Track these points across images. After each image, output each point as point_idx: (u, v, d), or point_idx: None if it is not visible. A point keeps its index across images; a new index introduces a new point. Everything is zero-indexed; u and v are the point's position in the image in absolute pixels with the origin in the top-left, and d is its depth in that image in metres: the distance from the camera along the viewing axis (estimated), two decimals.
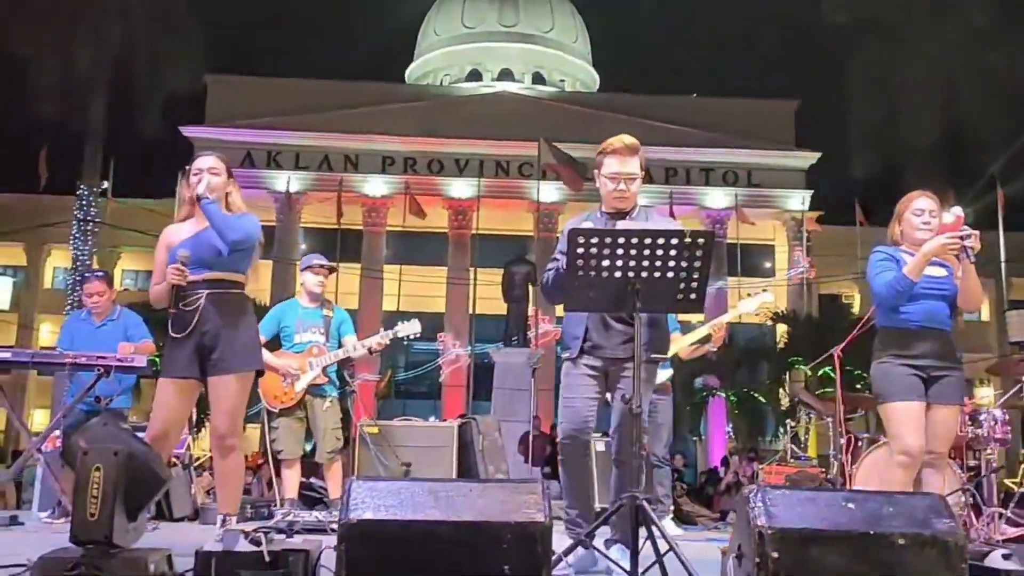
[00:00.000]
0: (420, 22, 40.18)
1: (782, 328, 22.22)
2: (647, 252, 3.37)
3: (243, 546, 2.78)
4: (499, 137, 29.14)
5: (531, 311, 16.52)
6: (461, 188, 29.79)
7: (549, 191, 27.25)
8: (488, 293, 25.77)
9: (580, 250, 3.37)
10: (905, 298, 3.88)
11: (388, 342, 6.03)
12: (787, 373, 16.68)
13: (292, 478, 5.79)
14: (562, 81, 37.55)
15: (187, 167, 4.00)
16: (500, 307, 25.89)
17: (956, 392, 3.96)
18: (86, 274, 6.25)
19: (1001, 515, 5.53)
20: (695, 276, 3.43)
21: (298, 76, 31.13)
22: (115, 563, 2.74)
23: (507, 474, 7.12)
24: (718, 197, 29.52)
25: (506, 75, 36.46)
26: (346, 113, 29.24)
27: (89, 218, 18.43)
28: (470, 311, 27.96)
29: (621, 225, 3.58)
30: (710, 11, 51.13)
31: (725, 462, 14.66)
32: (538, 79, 36.85)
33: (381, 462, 6.33)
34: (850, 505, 2.96)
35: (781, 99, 30.82)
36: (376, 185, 29.83)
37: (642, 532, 3.38)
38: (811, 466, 6.72)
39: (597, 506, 4.15)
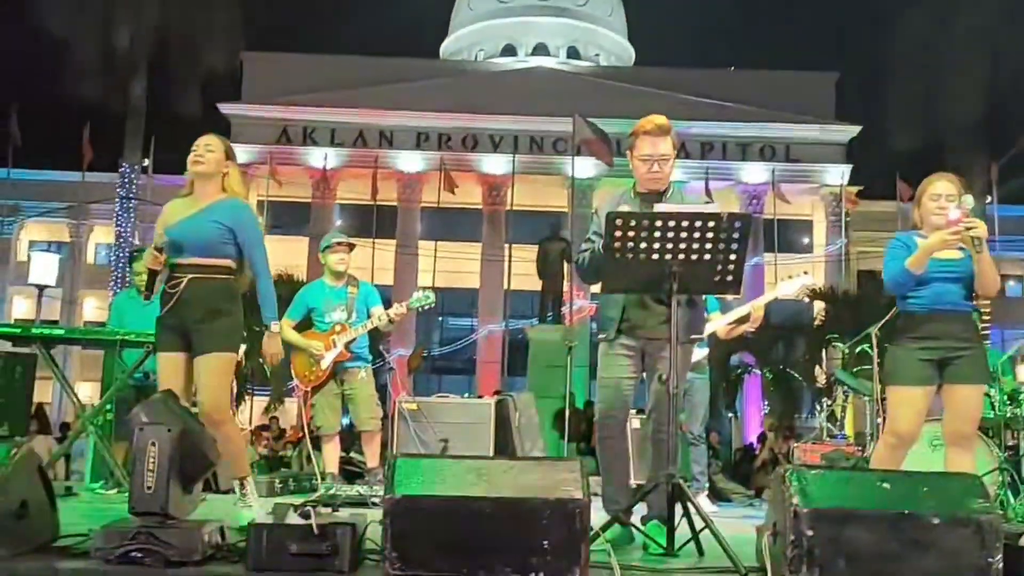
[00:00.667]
0: None
1: (819, 305, 22.02)
2: (684, 235, 3.41)
3: (293, 519, 2.89)
4: (534, 113, 29.04)
5: (566, 287, 16.49)
6: (495, 164, 29.79)
7: (583, 167, 27.13)
8: (522, 269, 25.86)
9: (618, 233, 3.42)
10: (907, 288, 3.91)
11: (405, 311, 6.12)
12: (824, 350, 16.54)
13: (332, 452, 5.93)
14: (597, 55, 37.27)
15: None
16: (534, 283, 25.91)
17: (974, 371, 3.92)
18: (133, 252, 6.36)
19: None
20: (732, 258, 3.46)
21: (332, 53, 31.26)
22: (172, 533, 2.87)
23: (543, 451, 7.21)
24: (755, 172, 29.22)
25: (541, 50, 36.26)
26: (381, 89, 29.31)
27: (131, 195, 18.73)
28: (504, 287, 28.02)
29: (657, 207, 3.60)
30: None
31: (761, 439, 14.63)
32: (573, 53, 36.60)
33: (419, 438, 6.45)
34: (885, 485, 3.00)
35: (821, 71, 30.38)
36: (411, 161, 29.94)
37: (678, 509, 3.45)
38: (847, 444, 6.72)
39: (633, 483, 4.20)
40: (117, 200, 18.95)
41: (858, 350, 6.66)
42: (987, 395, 5.81)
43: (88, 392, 26.84)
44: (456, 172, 28.52)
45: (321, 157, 29.72)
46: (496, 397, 7.25)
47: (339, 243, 6.03)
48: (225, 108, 28.91)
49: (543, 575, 2.83)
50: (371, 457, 5.94)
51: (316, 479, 6.08)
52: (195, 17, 18.39)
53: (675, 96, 29.06)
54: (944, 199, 3.96)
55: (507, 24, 37.08)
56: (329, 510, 3.06)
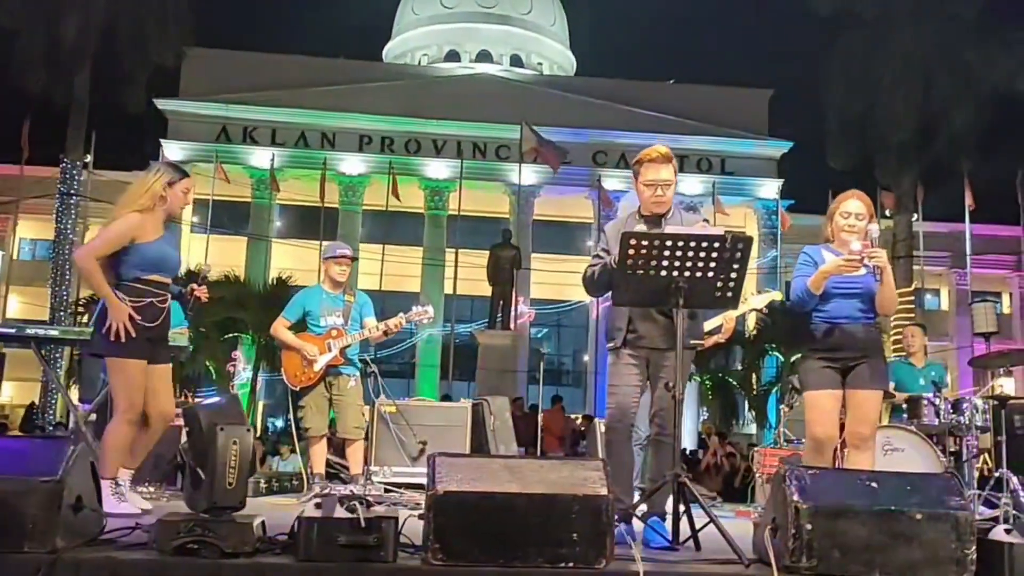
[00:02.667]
0: (398, 0, 40.04)
1: (753, 315, 22.82)
2: (691, 254, 3.72)
3: (340, 513, 3.08)
4: (477, 118, 29.31)
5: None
6: (438, 169, 29.93)
7: (527, 174, 27.53)
8: (463, 274, 26.10)
9: (631, 251, 3.71)
10: (811, 305, 4.20)
11: (404, 323, 6.32)
12: (761, 359, 17.24)
13: (319, 454, 6.08)
14: (540, 64, 37.74)
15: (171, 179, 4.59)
16: (474, 288, 26.40)
17: (872, 377, 4.20)
18: None
19: (979, 496, 6.01)
20: (733, 276, 3.79)
21: (275, 52, 30.92)
22: (225, 526, 3.04)
23: (516, 453, 7.46)
24: (692, 184, 30.00)
25: (484, 56, 36.53)
26: (323, 90, 29.14)
27: (73, 191, 18.34)
28: (444, 291, 28.17)
29: (667, 228, 3.92)
30: None
31: (701, 444, 15.17)
32: (516, 61, 36.99)
33: (399, 440, 6.63)
34: (873, 484, 3.35)
35: (755, 87, 31.37)
36: (353, 164, 29.85)
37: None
38: (803, 450, 7.11)
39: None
40: (57, 196, 18.51)
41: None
42: (932, 404, 6.31)
43: (10, 392, 26.06)
44: (398, 175, 28.56)
45: (260, 157, 29.39)
46: (472, 401, 7.47)
47: (344, 255, 6.20)
48: (162, 104, 28.36)
49: (572, 564, 3.10)
50: (355, 464, 6.09)
51: (305, 480, 6.21)
52: (140, 11, 18.06)
53: (616, 107, 29.72)
54: (854, 217, 4.28)
55: (451, 29, 37.27)
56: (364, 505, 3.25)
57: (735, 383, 18.00)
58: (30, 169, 22.77)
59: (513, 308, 16.48)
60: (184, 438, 7.70)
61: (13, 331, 5.53)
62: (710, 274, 3.77)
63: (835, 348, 4.20)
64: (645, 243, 3.71)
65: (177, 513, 3.14)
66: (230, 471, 3.07)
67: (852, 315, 4.21)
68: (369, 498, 3.38)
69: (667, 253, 3.70)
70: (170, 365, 4.62)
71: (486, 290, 20.95)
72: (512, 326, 17.38)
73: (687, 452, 16.32)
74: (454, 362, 25.38)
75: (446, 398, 14.49)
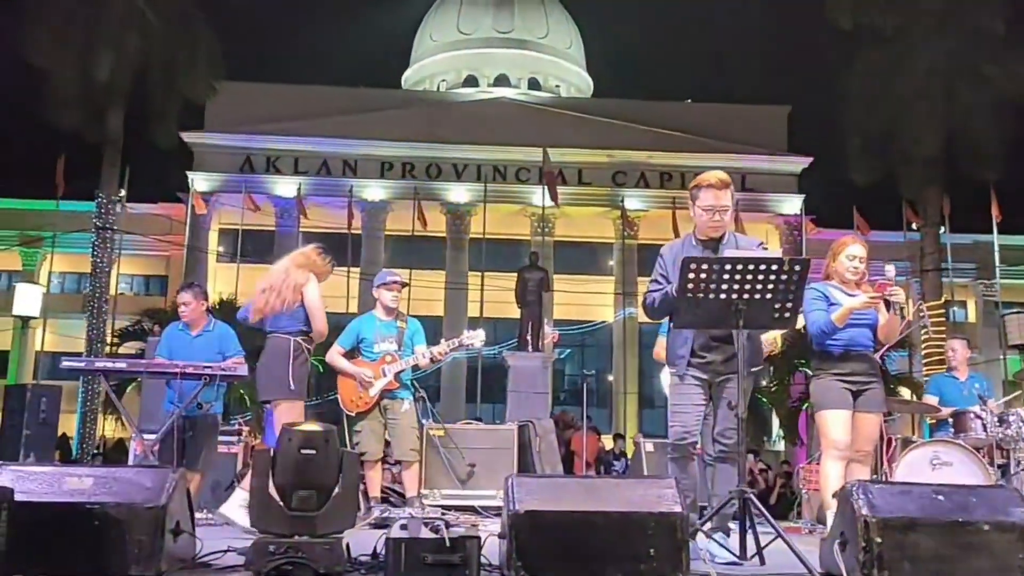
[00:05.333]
0: (416, 28, 40.56)
1: (773, 333, 22.73)
2: (749, 277, 3.84)
3: (425, 533, 3.21)
4: (497, 142, 29.59)
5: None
6: (459, 193, 30.19)
7: (549, 196, 27.69)
8: (486, 297, 26.24)
9: (691, 275, 3.84)
10: (829, 337, 4.69)
11: (451, 349, 6.46)
12: (791, 376, 17.21)
13: (375, 478, 6.20)
14: (557, 87, 38.06)
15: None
16: (498, 310, 26.49)
17: (877, 402, 4.78)
18: (180, 288, 6.61)
19: None
20: (790, 298, 3.90)
21: (295, 82, 31.40)
22: (317, 548, 3.17)
23: (561, 474, 7.54)
24: None
25: (502, 80, 36.90)
26: (344, 119, 29.52)
27: (109, 226, 18.69)
28: (467, 314, 28.31)
29: (726, 252, 4.04)
30: (703, 17, 51.86)
31: None
32: (534, 84, 37.33)
33: (448, 463, 6.74)
34: (939, 497, 3.44)
35: (773, 104, 31.50)
36: (375, 190, 30.16)
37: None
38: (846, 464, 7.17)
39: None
40: (93, 230, 18.87)
41: None
42: (979, 417, 6.37)
43: (112, 424, 26.46)
44: (418, 200, 28.82)
45: (284, 186, 29.78)
46: (519, 423, 7.57)
47: (395, 281, 6.35)
48: (188, 137, 28.81)
49: None
50: (410, 486, 6.20)
51: (361, 503, 6.32)
52: (172, 48, 18.45)
53: (634, 127, 29.92)
54: (858, 260, 4.80)
55: (469, 55, 37.69)
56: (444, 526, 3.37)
57: (765, 400, 17.96)
58: (65, 203, 23.27)
59: (542, 330, 16.54)
60: (239, 465, 7.88)
61: (82, 364, 5.71)
62: (768, 296, 3.88)
63: (851, 371, 4.68)
64: (705, 267, 3.83)
65: (270, 535, 3.27)
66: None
67: (863, 343, 4.74)
68: (448, 519, 3.49)
69: (726, 277, 3.83)
70: None
71: (510, 312, 21.06)
72: (541, 348, 17.45)
73: None
74: (479, 384, 25.46)
75: (476, 420, 14.56)
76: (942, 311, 18.80)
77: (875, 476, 6.36)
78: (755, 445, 17.14)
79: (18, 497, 2.86)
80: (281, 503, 3.39)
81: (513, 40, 37.60)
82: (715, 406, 4.26)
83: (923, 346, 19.17)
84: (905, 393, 16.12)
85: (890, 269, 4.71)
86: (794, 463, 15.36)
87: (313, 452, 3.35)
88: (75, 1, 17.77)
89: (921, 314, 17.85)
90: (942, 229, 20.80)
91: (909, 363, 19.90)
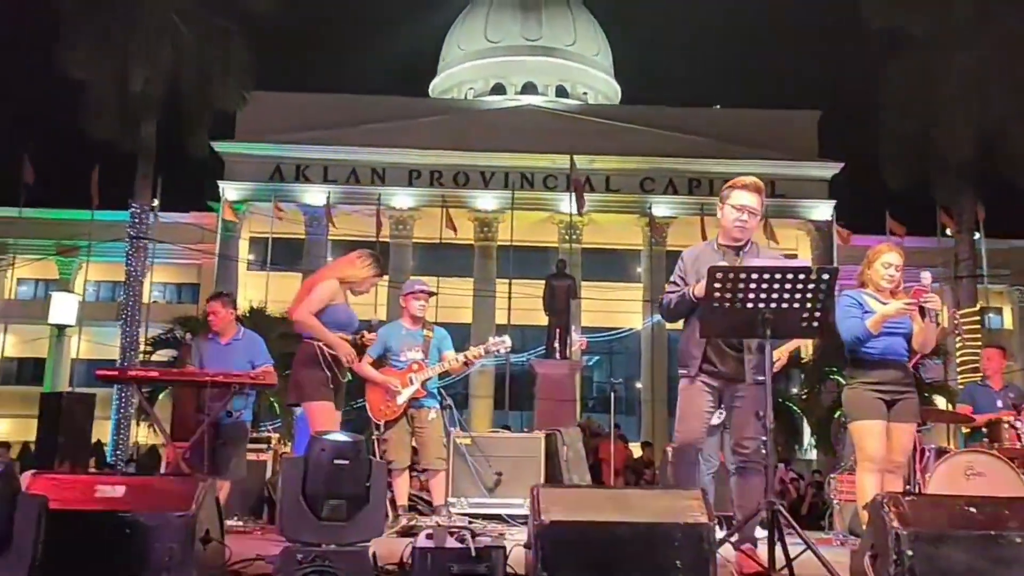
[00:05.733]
0: (443, 37, 40.76)
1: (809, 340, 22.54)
2: (776, 286, 3.82)
3: (451, 542, 3.22)
4: (524, 149, 29.63)
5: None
6: (487, 200, 30.26)
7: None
8: (513, 304, 26.24)
9: (717, 284, 3.82)
10: (863, 345, 4.61)
11: (483, 353, 6.47)
12: (822, 384, 17.04)
13: (403, 486, 6.22)
14: (585, 94, 38.05)
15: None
16: (525, 317, 26.47)
17: (911, 413, 4.70)
18: (210, 299, 6.69)
19: None
20: (819, 307, 3.87)
21: (324, 91, 31.66)
22: (344, 556, 3.19)
23: (589, 483, 7.53)
24: None
25: (529, 88, 36.97)
26: (372, 127, 29.73)
27: (142, 235, 19.00)
28: (495, 321, 28.33)
29: (751, 261, 4.03)
30: (731, 23, 51.62)
31: None
32: (561, 92, 37.35)
33: (476, 471, 6.75)
34: (972, 509, 3.39)
35: (803, 109, 31.25)
36: (403, 198, 30.32)
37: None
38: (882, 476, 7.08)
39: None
40: (128, 239, 19.18)
41: None
42: (1013, 426, 6.26)
43: (3, 427, 26.88)
44: (446, 208, 28.92)
45: (313, 194, 30.02)
46: (546, 431, 7.56)
47: (422, 291, 6.38)
48: (219, 146, 29.15)
49: None
50: (437, 495, 6.22)
51: (390, 512, 6.34)
52: (204, 59, 18.73)
53: (662, 134, 29.83)
54: (894, 268, 4.70)
55: (496, 63, 37.80)
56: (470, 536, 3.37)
57: (796, 408, 17.79)
58: (99, 213, 23.69)
59: (569, 337, 16.53)
60: (269, 472, 7.95)
61: (116, 372, 5.79)
62: (796, 305, 3.85)
63: (885, 381, 4.61)
64: (731, 276, 3.82)
65: (298, 544, 3.30)
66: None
67: (898, 352, 4.67)
68: (475, 527, 3.49)
69: (753, 286, 3.80)
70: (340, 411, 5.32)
71: (538, 319, 21.06)
72: (569, 355, 17.43)
73: None
74: (507, 392, 25.46)
75: (506, 428, 14.58)
76: (977, 318, 18.53)
77: (908, 487, 6.27)
78: (786, 454, 16.99)
79: (52, 506, 2.91)
80: (311, 512, 3.44)
81: (540, 48, 37.66)
82: (729, 415, 4.24)
83: (958, 354, 18.91)
84: (940, 402, 15.89)
85: (926, 276, 4.57)
86: (826, 472, 15.19)
87: (346, 463, 3.39)
88: (110, 15, 18.12)
89: (961, 323, 17.64)
90: (976, 234, 20.50)
91: (944, 371, 19.62)
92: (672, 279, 4.38)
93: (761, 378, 4.27)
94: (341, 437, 3.41)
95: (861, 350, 4.62)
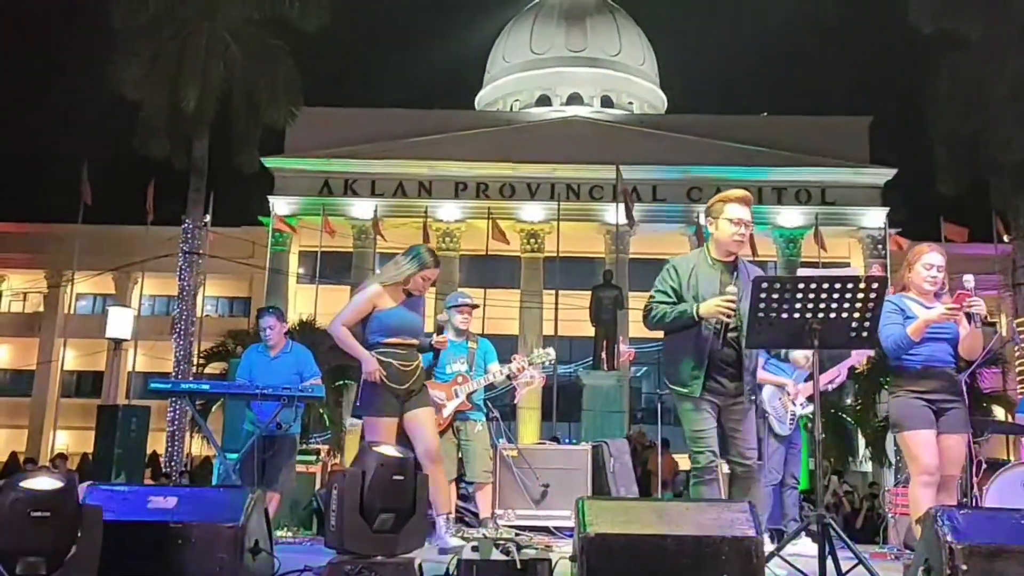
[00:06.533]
0: (489, 49, 41.02)
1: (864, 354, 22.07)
2: (824, 296, 3.77)
3: (496, 555, 3.22)
4: (570, 161, 29.63)
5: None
6: (533, 211, 30.30)
7: (623, 214, 27.55)
8: (561, 315, 26.20)
9: (763, 295, 3.79)
10: (907, 352, 4.44)
11: (526, 366, 6.48)
12: (876, 394, 16.69)
13: (450, 498, 6.23)
14: (630, 104, 37.94)
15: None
16: (573, 329, 26.44)
17: (961, 422, 4.50)
18: (260, 311, 6.80)
19: None
20: (868, 316, 3.81)
21: (371, 106, 32.04)
22: (390, 568, 3.22)
23: (636, 496, 7.47)
24: (793, 216, 29.51)
25: (575, 99, 36.99)
26: (419, 141, 30.01)
27: (195, 250, 19.41)
28: (543, 332, 28.29)
29: (800, 271, 3.98)
30: (779, 29, 51.08)
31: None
32: (607, 102, 37.31)
33: (522, 483, 6.75)
34: None
35: (853, 115, 30.77)
36: (450, 210, 30.50)
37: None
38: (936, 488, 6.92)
39: None
40: (180, 254, 19.61)
41: None
42: None
43: (63, 439, 27.47)
44: (492, 220, 29.01)
45: (361, 208, 30.36)
46: (593, 443, 7.54)
47: (466, 304, 6.42)
48: (269, 162, 29.67)
49: None
50: (484, 507, 6.24)
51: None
52: (254, 77, 19.12)
53: (709, 142, 29.59)
54: (936, 269, 4.50)
55: (541, 75, 37.90)
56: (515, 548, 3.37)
57: (850, 419, 17.45)
58: (154, 229, 24.26)
59: (617, 348, 16.46)
60: (318, 484, 8.05)
61: (168, 386, 5.92)
62: (844, 315, 3.80)
63: (931, 389, 4.42)
64: (778, 286, 3.78)
65: (345, 556, 3.33)
66: (332, 514, 3.31)
67: (944, 359, 4.47)
68: (519, 541, 3.50)
69: (800, 296, 3.77)
70: (427, 409, 5.09)
71: (585, 330, 20.99)
72: (616, 366, 17.36)
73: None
74: (555, 403, 25.38)
75: (555, 440, 14.54)
76: None
77: (964, 500, 6.12)
78: (840, 466, 16.67)
79: (106, 517, 2.98)
80: (365, 524, 3.47)
81: (585, 58, 37.69)
82: (729, 429, 4.25)
83: (1017, 363, 18.38)
84: (998, 412, 15.47)
85: (969, 279, 4.38)
86: (881, 484, 14.88)
87: (402, 478, 3.45)
88: (165, 35, 18.61)
89: (1019, 331, 17.16)
90: None
91: (1003, 381, 19.09)
92: (661, 288, 4.33)
93: (754, 398, 4.41)
94: (394, 452, 3.45)
95: (904, 358, 4.46)
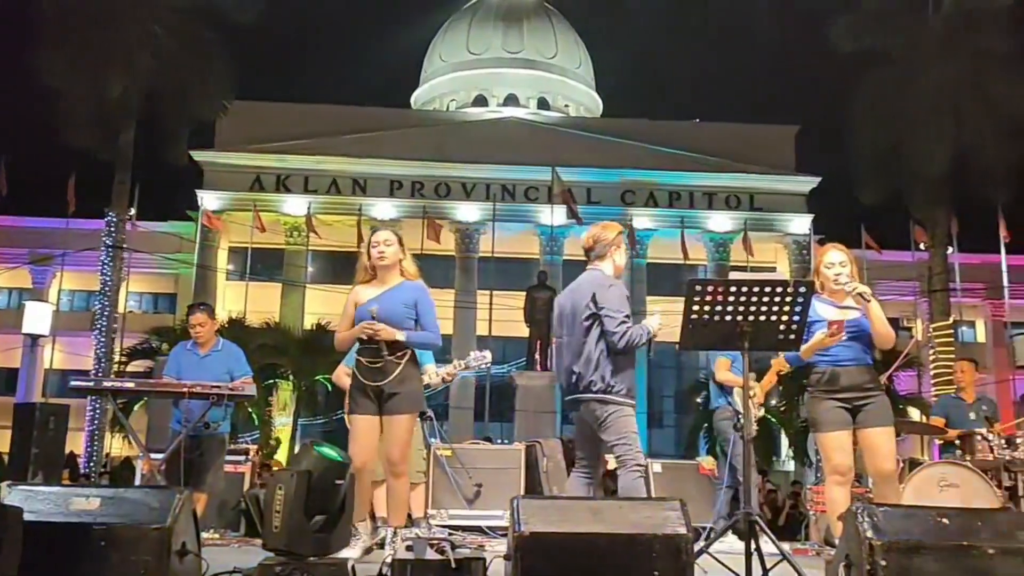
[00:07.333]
0: (426, 48, 40.84)
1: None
2: (754, 299, 3.86)
3: (430, 554, 3.22)
4: (506, 161, 29.70)
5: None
6: (468, 212, 30.28)
7: (557, 215, 27.77)
8: (495, 316, 26.24)
9: (696, 297, 3.86)
10: (802, 365, 4.59)
11: (463, 369, 6.46)
12: (800, 396, 17.14)
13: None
14: (566, 106, 38.22)
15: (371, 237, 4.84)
16: (507, 329, 26.49)
17: (881, 416, 4.49)
18: (190, 307, 6.64)
19: None
20: (796, 319, 3.92)
21: (305, 102, 31.60)
22: (321, 569, 3.19)
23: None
24: (722, 220, 30.12)
25: (511, 100, 37.11)
26: (354, 138, 29.72)
27: (118, 244, 18.83)
28: (477, 332, 28.30)
29: (732, 275, 4.08)
30: (712, 38, 52.08)
31: None
32: (543, 104, 37.51)
33: (455, 483, 6.74)
34: (944, 520, 3.43)
35: (781, 124, 31.56)
36: (384, 208, 30.26)
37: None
38: (855, 486, 7.16)
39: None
40: (103, 248, 19.00)
41: None
42: (985, 439, 6.34)
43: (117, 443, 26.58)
44: (428, 219, 28.89)
45: (294, 204, 29.91)
46: (526, 443, 7.57)
47: None
48: (198, 155, 29.00)
49: None
50: (416, 507, 6.19)
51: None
52: (183, 69, 18.63)
53: (643, 147, 30.01)
54: (838, 265, 4.58)
55: (478, 75, 37.91)
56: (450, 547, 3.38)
57: (774, 419, 17.90)
58: (75, 222, 23.49)
59: (550, 349, 16.55)
60: (247, 484, 7.90)
61: (91, 384, 5.74)
62: (773, 317, 3.90)
63: (843, 388, 4.46)
64: (710, 289, 3.85)
65: (275, 558, 3.29)
66: (275, 515, 3.24)
67: (855, 357, 4.48)
68: (455, 539, 3.50)
69: (731, 299, 3.85)
70: (398, 418, 4.59)
71: (518, 331, 21.05)
72: (549, 367, 17.44)
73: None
74: (487, 404, 25.40)
75: (487, 440, 14.55)
76: (950, 331, 18.74)
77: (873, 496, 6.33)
78: (764, 465, 17.06)
79: (26, 517, 2.88)
80: (304, 525, 3.43)
81: (522, 60, 37.83)
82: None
83: (932, 366, 19.08)
84: (914, 414, 16.05)
85: (834, 255, 4.57)
86: (803, 483, 15.27)
87: (342, 482, 3.44)
88: (89, 22, 17.99)
89: (934, 336, 17.82)
90: (950, 249, 20.77)
91: (918, 383, 19.82)
92: (625, 313, 4.43)
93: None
94: (334, 454, 3.42)
95: (816, 359, 4.48)
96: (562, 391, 4.68)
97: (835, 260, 4.57)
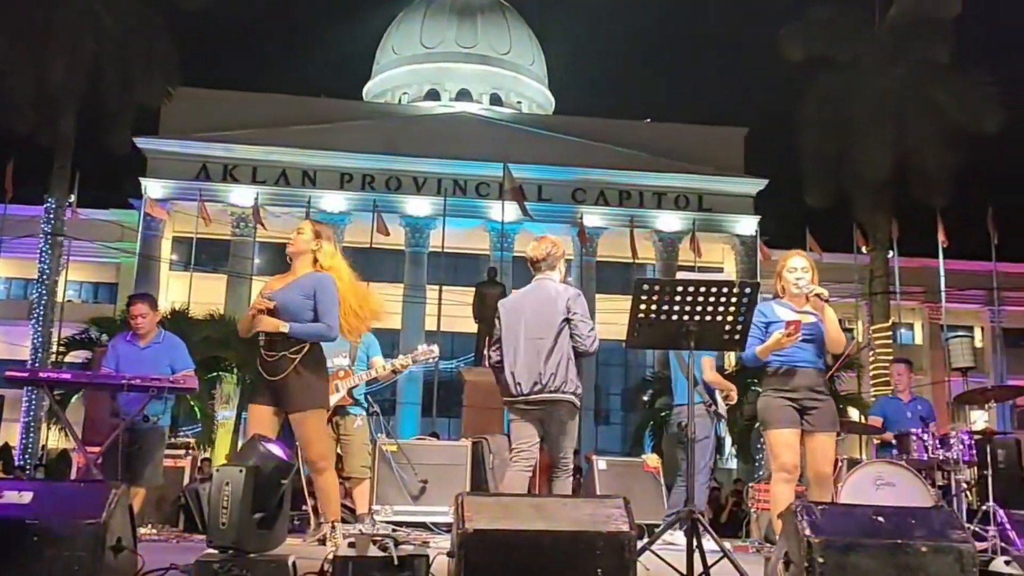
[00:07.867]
0: (379, 40, 40.49)
1: (730, 353, 22.99)
2: (700, 299, 3.90)
3: (373, 551, 3.19)
4: (457, 157, 29.62)
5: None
6: (419, 206, 30.13)
7: (508, 211, 27.79)
8: (444, 311, 26.18)
9: (644, 296, 3.89)
10: (759, 364, 4.70)
11: (410, 363, 6.43)
12: (744, 394, 17.42)
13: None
14: (519, 103, 38.24)
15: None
16: (455, 325, 26.44)
17: (828, 421, 4.67)
18: (130, 297, 6.49)
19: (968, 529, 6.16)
20: (740, 319, 3.97)
21: (255, 91, 31.11)
22: (261, 566, 3.14)
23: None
24: (671, 220, 30.43)
25: (464, 95, 36.98)
26: (304, 129, 29.35)
27: (56, 231, 18.32)
28: (425, 327, 28.20)
29: (679, 275, 4.12)
30: (665, 39, 52.58)
31: None
32: (495, 100, 37.46)
33: (401, 479, 6.70)
34: (880, 518, 3.51)
35: (731, 126, 31.99)
36: (334, 201, 29.95)
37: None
38: (795, 485, 7.29)
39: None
40: (42, 235, 18.47)
41: None
42: (921, 439, 6.51)
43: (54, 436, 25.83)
44: (379, 212, 28.69)
45: (241, 194, 29.44)
46: (472, 439, 7.56)
47: None
48: (142, 142, 28.36)
49: None
50: (361, 503, 6.14)
51: (312, 519, 6.24)
52: (127, 53, 18.18)
53: (594, 145, 30.18)
54: (800, 271, 4.74)
55: (431, 69, 37.72)
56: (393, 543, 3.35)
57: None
58: (13, 208, 22.79)
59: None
60: (186, 479, 7.75)
61: (26, 375, 5.58)
62: (719, 318, 3.94)
63: (794, 388, 4.60)
64: (658, 288, 3.88)
65: (214, 554, 3.23)
66: (223, 511, 3.19)
67: (808, 359, 4.64)
68: (399, 535, 3.47)
69: (678, 299, 3.88)
70: (306, 414, 4.52)
71: (467, 326, 21.01)
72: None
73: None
74: (434, 399, 25.34)
75: (434, 435, 14.52)
76: (889, 333, 19.22)
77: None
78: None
79: None
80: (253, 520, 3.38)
81: (476, 55, 37.74)
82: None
83: (872, 367, 19.55)
84: (853, 414, 16.40)
85: (797, 261, 4.74)
86: (746, 481, 15.50)
87: (286, 482, 3.41)
88: (30, 2, 17.47)
89: (874, 337, 18.25)
90: (890, 253, 21.29)
91: (858, 384, 20.28)
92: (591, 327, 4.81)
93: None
94: (279, 451, 3.38)
95: (770, 357, 4.62)
96: (519, 389, 4.72)
97: (797, 266, 4.74)
